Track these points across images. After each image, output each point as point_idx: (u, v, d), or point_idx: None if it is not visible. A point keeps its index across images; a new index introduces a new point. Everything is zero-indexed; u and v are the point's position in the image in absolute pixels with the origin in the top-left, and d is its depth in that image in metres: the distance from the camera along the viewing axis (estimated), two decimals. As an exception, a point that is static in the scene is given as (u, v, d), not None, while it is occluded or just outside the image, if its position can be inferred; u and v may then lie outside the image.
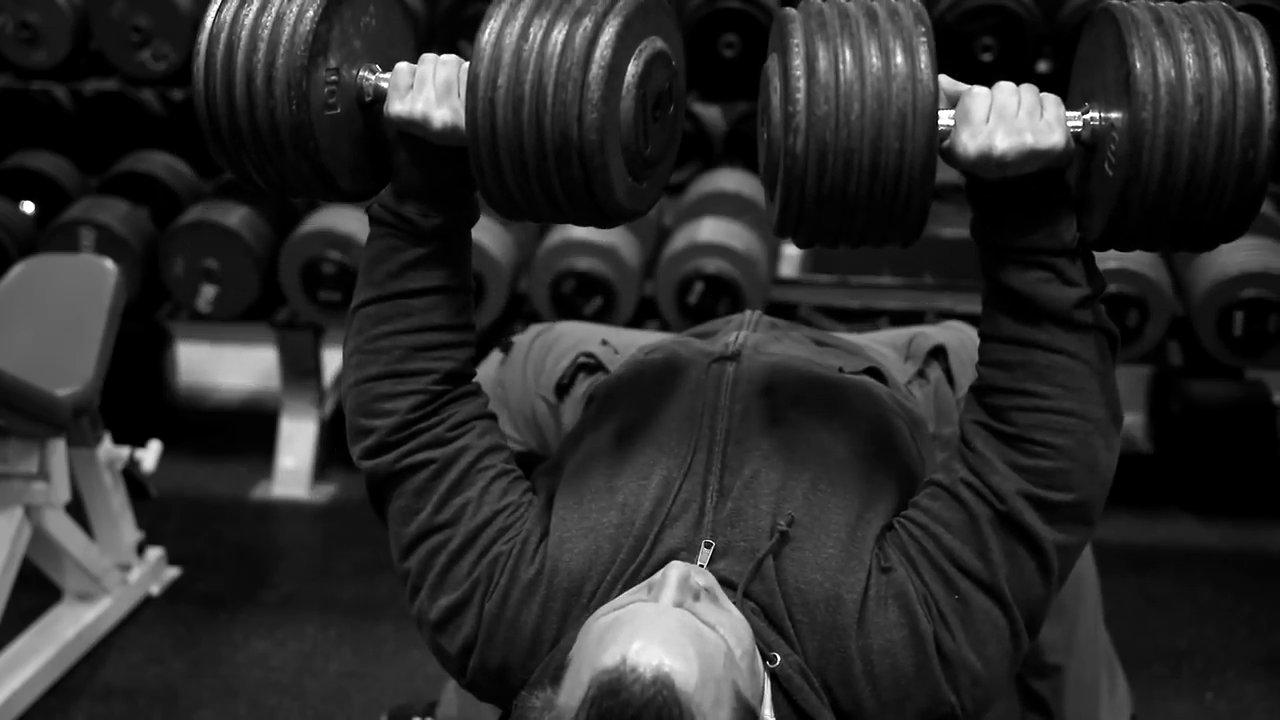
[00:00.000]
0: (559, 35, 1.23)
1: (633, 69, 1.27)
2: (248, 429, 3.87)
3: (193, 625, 2.85)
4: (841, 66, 1.19)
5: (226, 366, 4.26)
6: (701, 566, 1.30)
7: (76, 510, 2.70)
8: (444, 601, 1.35)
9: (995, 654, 1.28)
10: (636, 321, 3.28)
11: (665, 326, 3.18)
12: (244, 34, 1.31)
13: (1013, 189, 1.27)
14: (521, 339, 1.93)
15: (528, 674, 1.30)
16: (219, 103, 1.32)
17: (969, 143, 1.24)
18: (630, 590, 1.27)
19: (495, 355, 1.94)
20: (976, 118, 1.24)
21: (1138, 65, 1.18)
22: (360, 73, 1.37)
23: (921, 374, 1.79)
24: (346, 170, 1.38)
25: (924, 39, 1.21)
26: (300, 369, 3.56)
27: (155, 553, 2.99)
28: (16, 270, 2.77)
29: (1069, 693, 1.92)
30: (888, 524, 1.36)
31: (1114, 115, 1.23)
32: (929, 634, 1.26)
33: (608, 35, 1.23)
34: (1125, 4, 1.24)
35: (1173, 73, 1.18)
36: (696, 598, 1.21)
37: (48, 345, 2.60)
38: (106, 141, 3.77)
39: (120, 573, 2.84)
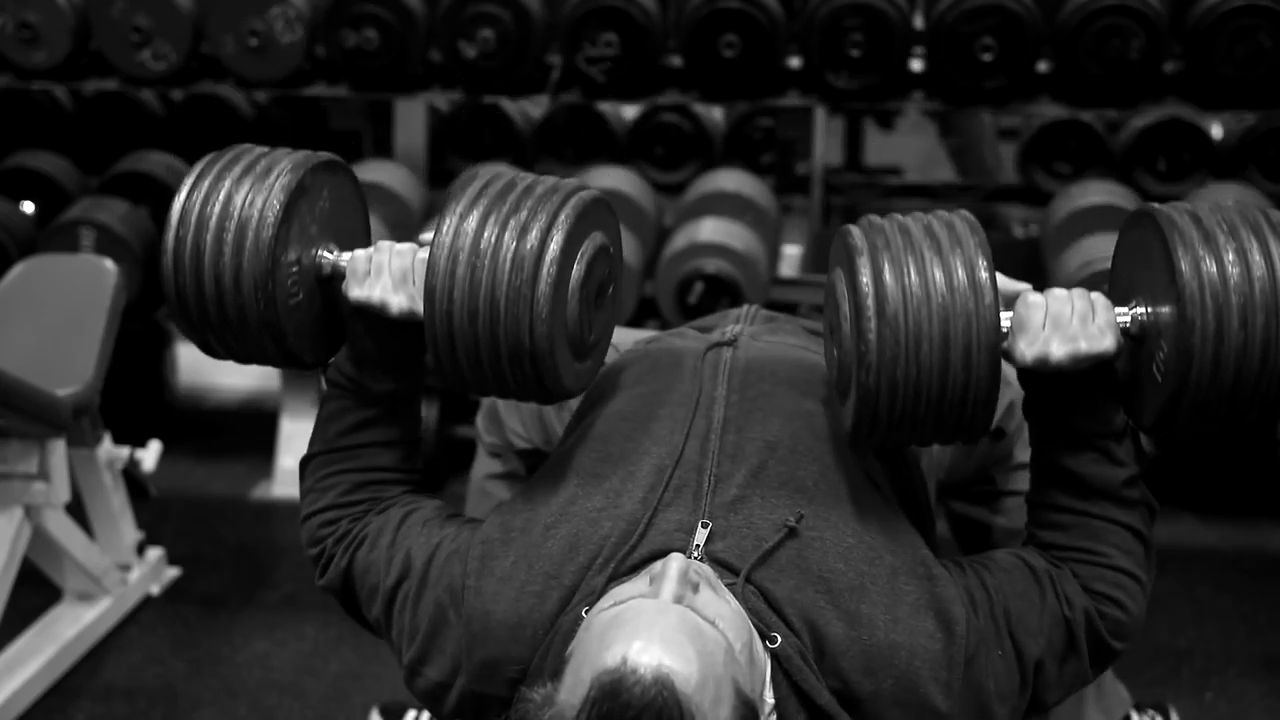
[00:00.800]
0: (508, 254, 1.32)
1: (576, 272, 1.37)
2: (248, 429, 3.87)
3: (193, 625, 2.85)
4: (909, 303, 1.26)
5: (226, 366, 4.22)
6: (699, 546, 1.31)
7: (76, 510, 2.70)
8: (419, 637, 1.38)
9: (1006, 714, 1.33)
10: (636, 321, 3.28)
11: (665, 326, 3.17)
12: (209, 237, 1.37)
13: (1065, 381, 1.35)
14: None
15: (519, 662, 1.30)
16: (189, 295, 1.40)
17: (1026, 350, 1.32)
18: (630, 582, 1.28)
19: None
20: (1033, 327, 1.32)
21: (1187, 288, 1.24)
22: (318, 253, 1.45)
23: None
24: (309, 346, 1.47)
25: (986, 269, 1.27)
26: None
27: (155, 553, 2.99)
28: (16, 270, 2.77)
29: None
30: (903, 505, 1.41)
31: (1162, 311, 1.29)
32: (962, 658, 1.29)
33: (552, 251, 1.32)
34: (1168, 212, 1.30)
35: (1220, 295, 1.24)
36: (696, 589, 1.22)
37: (48, 345, 2.60)
38: (106, 141, 3.78)
39: (120, 573, 2.84)
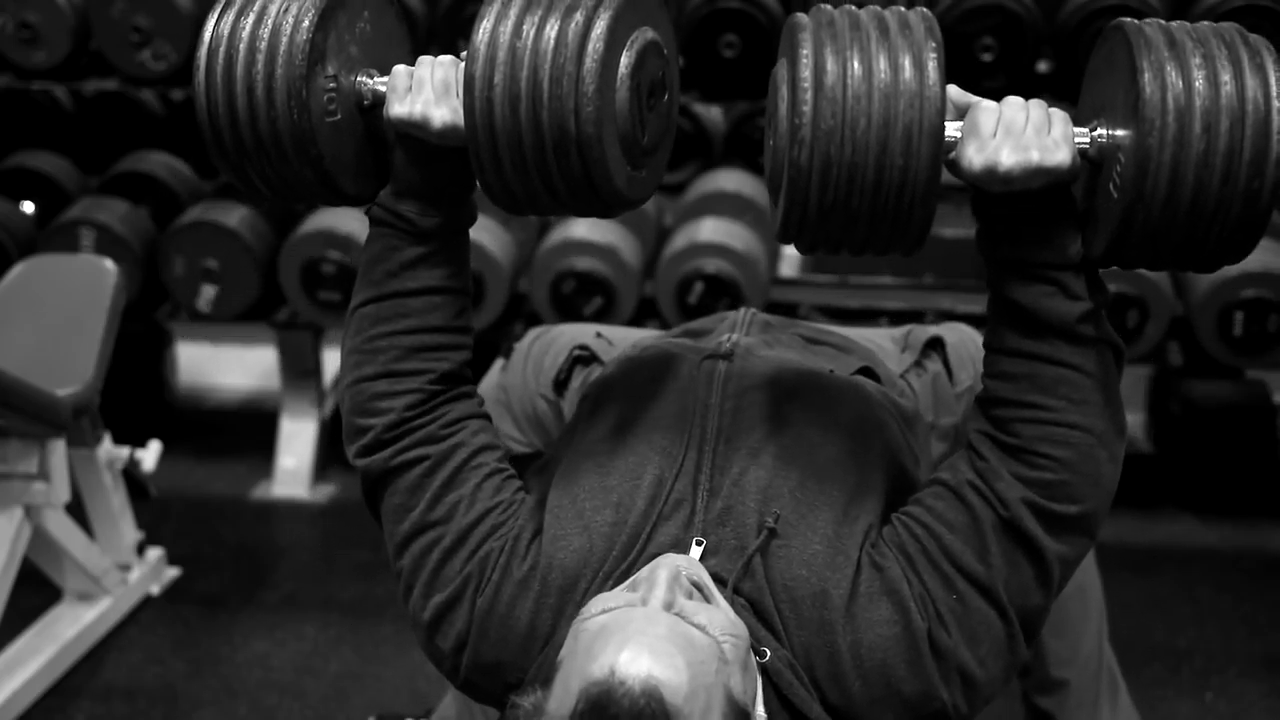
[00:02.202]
0: (551, 31, 1.24)
1: (625, 60, 1.29)
2: (248, 429, 3.87)
3: (193, 625, 2.85)
4: (849, 80, 1.19)
5: (226, 366, 4.26)
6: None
7: (76, 510, 2.70)
8: (436, 599, 1.35)
9: (990, 656, 1.29)
10: (636, 321, 3.28)
11: (665, 326, 3.17)
12: (242, 46, 1.32)
13: (1018, 203, 1.27)
14: (521, 344, 1.94)
15: (522, 670, 1.30)
16: (221, 114, 1.33)
17: (974, 157, 1.24)
18: (620, 588, 1.27)
19: (498, 363, 1.96)
20: (984, 132, 1.24)
21: (1147, 89, 1.18)
22: (358, 78, 1.39)
23: (919, 364, 1.79)
24: (349, 174, 1.39)
25: (934, 53, 1.21)
26: (300, 369, 3.56)
27: (155, 553, 2.99)
28: (16, 270, 2.76)
29: (1070, 706, 1.91)
30: (881, 520, 1.37)
31: (1121, 134, 1.23)
32: (922, 631, 1.26)
33: (599, 29, 1.25)
34: (1138, 23, 1.24)
35: (1182, 99, 1.17)
36: (689, 596, 1.21)
37: (48, 345, 2.60)
38: (106, 141, 3.78)
39: (120, 573, 2.84)
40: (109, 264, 2.76)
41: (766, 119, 1.37)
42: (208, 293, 3.40)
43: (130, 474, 2.87)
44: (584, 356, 1.78)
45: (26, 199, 3.59)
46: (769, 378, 1.49)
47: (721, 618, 1.22)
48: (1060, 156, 1.24)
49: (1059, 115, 1.27)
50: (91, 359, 2.59)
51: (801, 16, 1.27)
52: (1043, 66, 3.25)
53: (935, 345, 1.82)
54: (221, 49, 1.33)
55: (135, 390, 3.69)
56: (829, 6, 1.28)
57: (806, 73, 1.20)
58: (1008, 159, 1.23)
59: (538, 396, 1.82)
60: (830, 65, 1.20)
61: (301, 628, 2.83)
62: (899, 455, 1.47)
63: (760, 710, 1.24)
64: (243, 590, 3.01)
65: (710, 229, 3.32)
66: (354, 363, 1.42)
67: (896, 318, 3.20)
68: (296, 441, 3.53)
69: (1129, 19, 1.26)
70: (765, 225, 3.48)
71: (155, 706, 2.56)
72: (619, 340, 1.79)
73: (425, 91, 1.33)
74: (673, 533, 1.33)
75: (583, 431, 1.49)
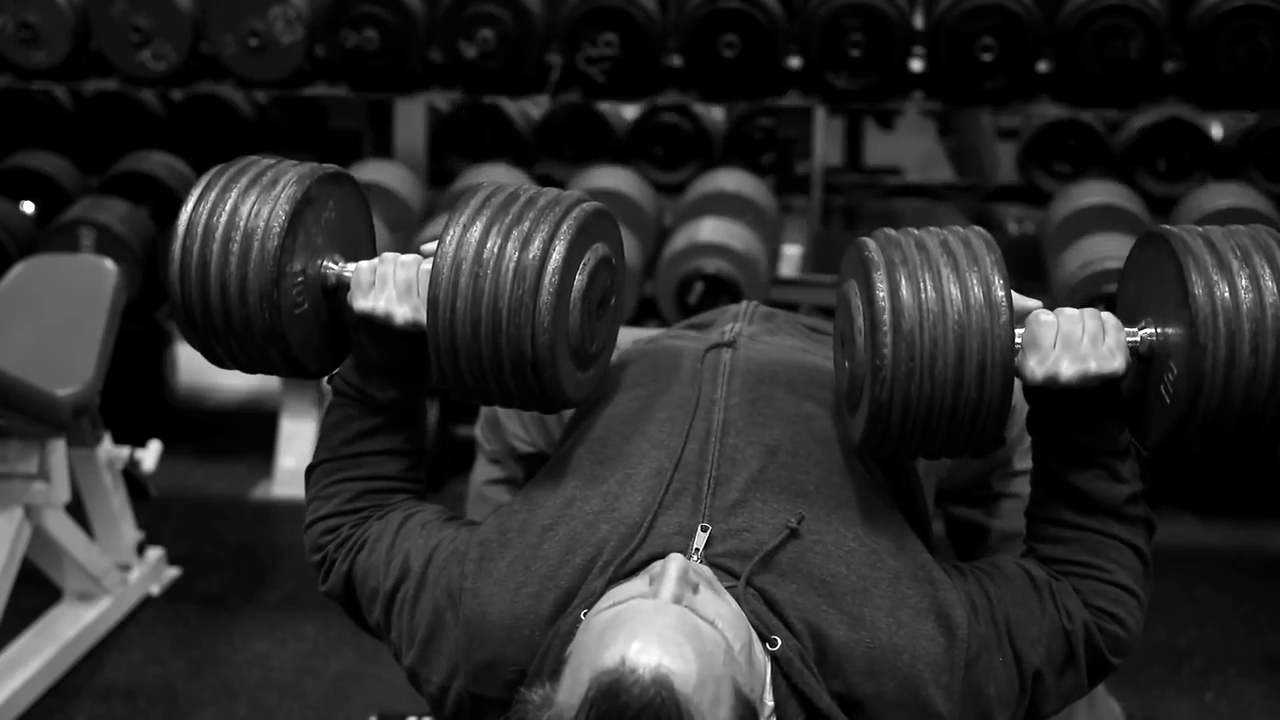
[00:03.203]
0: (511, 264, 1.33)
1: (579, 283, 1.38)
2: (248, 429, 3.87)
3: (193, 625, 2.85)
4: (925, 319, 1.26)
5: (227, 366, 4.25)
6: (698, 549, 1.31)
7: (76, 510, 2.70)
8: (418, 639, 1.38)
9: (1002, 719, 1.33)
10: (636, 321, 3.28)
11: (665, 326, 3.18)
12: (216, 247, 1.39)
13: (1071, 399, 1.34)
14: None
15: (515, 664, 1.30)
16: (195, 303, 1.40)
17: (1036, 369, 1.31)
18: (630, 582, 1.27)
19: None
20: (1044, 345, 1.31)
21: (1201, 312, 1.24)
22: (323, 264, 1.46)
23: None
24: (314, 356, 1.48)
25: (1000, 280, 1.27)
26: (300, 369, 3.56)
27: (155, 553, 2.99)
28: (16, 270, 2.77)
29: None
30: (902, 508, 1.41)
31: (1171, 333, 1.30)
32: (962, 662, 1.29)
33: (555, 261, 1.34)
34: (1182, 235, 1.30)
35: (1233, 320, 1.24)
36: (696, 590, 1.22)
37: (48, 345, 2.60)
38: (106, 141, 3.78)
39: (120, 573, 2.84)
40: (109, 264, 2.76)
41: (836, 333, 1.45)
42: (208, 293, 3.39)
43: (130, 474, 2.87)
44: None
45: (26, 199, 3.60)
46: (779, 368, 1.51)
47: (729, 613, 1.23)
48: (1116, 365, 1.31)
49: (1112, 323, 1.33)
50: (91, 359, 2.59)
51: (870, 242, 1.33)
52: (1043, 66, 3.25)
53: None
54: (196, 248, 1.39)
55: (135, 390, 3.69)
56: (893, 231, 1.35)
57: (885, 314, 1.27)
58: (1067, 370, 1.30)
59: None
60: (907, 304, 1.27)
61: (301, 628, 2.83)
62: (911, 459, 1.49)
63: (769, 698, 1.25)
64: (243, 590, 3.01)
65: (710, 229, 3.32)
66: (312, 510, 1.50)
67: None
68: (296, 441, 3.53)
69: (1169, 228, 1.33)
70: (765, 225, 3.48)
71: (155, 706, 2.56)
72: (621, 340, 1.79)
73: (388, 289, 1.41)
74: (676, 520, 1.34)
75: (582, 423, 1.50)
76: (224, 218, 1.39)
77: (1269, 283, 1.24)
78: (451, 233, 1.36)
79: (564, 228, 1.36)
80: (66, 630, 2.67)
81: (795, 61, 3.34)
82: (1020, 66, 3.15)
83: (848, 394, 1.39)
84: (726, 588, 1.28)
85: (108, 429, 2.78)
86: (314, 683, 2.63)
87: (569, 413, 1.77)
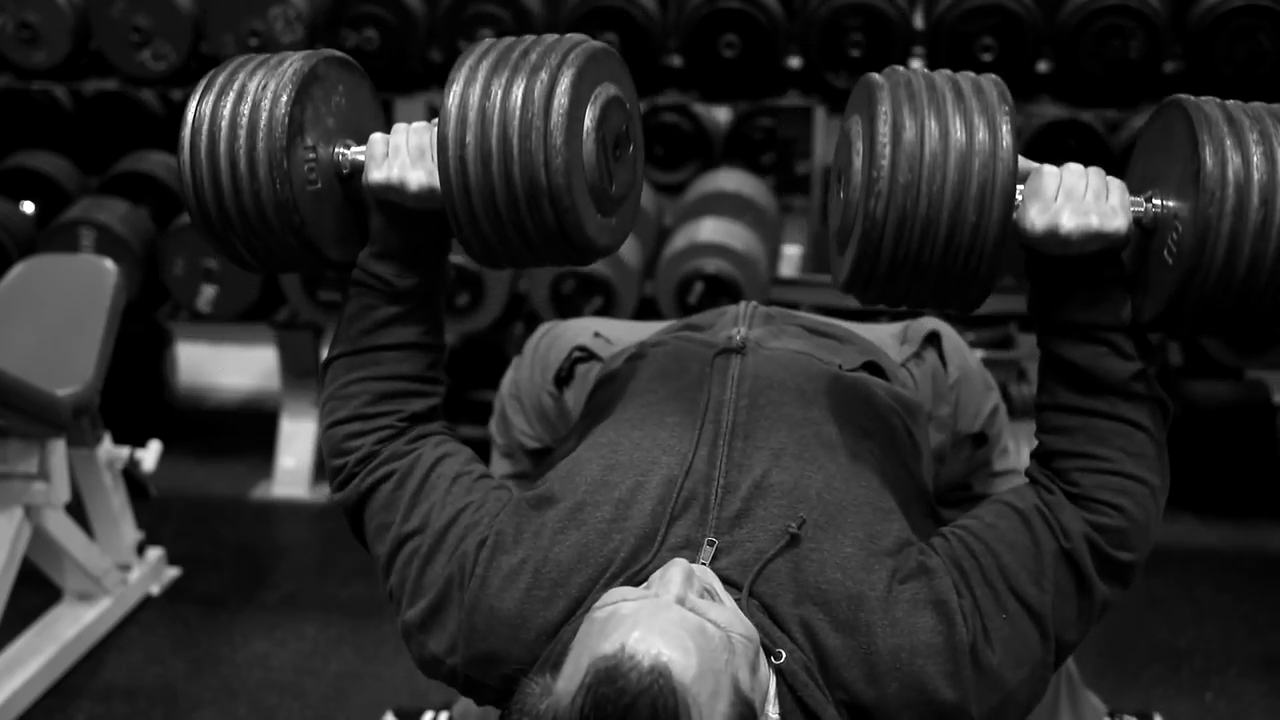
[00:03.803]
0: (519, 91, 1.32)
1: (590, 114, 1.36)
2: (248, 429, 3.87)
3: (193, 625, 2.85)
4: (926, 137, 1.23)
5: (226, 366, 4.26)
6: (704, 564, 1.30)
7: (76, 510, 2.71)
8: (423, 604, 1.36)
9: (1027, 677, 1.30)
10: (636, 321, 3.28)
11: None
12: (224, 124, 1.38)
13: (1071, 267, 1.32)
14: (531, 339, 1.95)
15: (516, 661, 1.30)
16: (206, 188, 1.38)
17: (1037, 219, 1.29)
18: (634, 588, 1.27)
19: (515, 361, 1.98)
20: (1046, 195, 1.29)
21: (1208, 162, 1.22)
22: (336, 148, 1.45)
23: (918, 355, 1.81)
24: (331, 240, 1.45)
25: (1007, 117, 1.25)
26: (300, 369, 3.56)
27: (155, 553, 2.99)
28: (16, 270, 2.77)
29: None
30: (906, 515, 1.38)
31: (1175, 205, 1.28)
32: (966, 645, 1.27)
33: (564, 85, 1.32)
34: (1197, 101, 1.29)
35: (1241, 173, 1.21)
36: (700, 595, 1.22)
37: (48, 345, 2.60)
38: (106, 141, 3.78)
39: (120, 573, 2.84)
40: (109, 264, 2.76)
41: (834, 174, 1.41)
42: (208, 293, 3.40)
43: (130, 474, 2.87)
44: (583, 357, 1.80)
45: (26, 199, 3.60)
46: (786, 374, 1.50)
47: (731, 616, 1.23)
48: (1118, 223, 1.29)
49: (1116, 184, 1.31)
50: (91, 359, 2.59)
51: (877, 76, 1.31)
52: (1043, 66, 3.25)
53: (932, 338, 1.84)
54: (205, 128, 1.38)
55: (135, 390, 3.69)
56: (903, 69, 1.32)
57: (885, 128, 1.24)
58: (1068, 222, 1.28)
59: (543, 392, 1.84)
60: (908, 122, 1.24)
61: (301, 628, 2.83)
62: (906, 454, 1.49)
63: (773, 711, 1.24)
64: (243, 590, 3.01)
65: (710, 229, 3.32)
66: (329, 409, 1.48)
67: (896, 318, 3.20)
68: (296, 441, 3.54)
69: (1186, 96, 1.32)
70: (765, 225, 3.48)
71: (155, 706, 2.56)
72: (619, 337, 1.80)
73: (401, 156, 1.39)
74: (683, 532, 1.33)
75: (590, 426, 1.50)
76: (231, 95, 1.38)
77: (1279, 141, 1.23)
78: (457, 76, 1.34)
79: (571, 57, 1.34)
80: (66, 630, 2.67)
81: (795, 61, 3.34)
82: (1020, 66, 3.15)
83: (839, 231, 1.35)
84: (732, 598, 1.28)
85: (108, 429, 2.79)
86: (314, 683, 2.63)
87: (575, 409, 1.78)
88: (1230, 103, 1.28)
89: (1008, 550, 1.32)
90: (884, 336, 1.83)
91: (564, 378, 1.81)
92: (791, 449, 1.39)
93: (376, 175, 1.40)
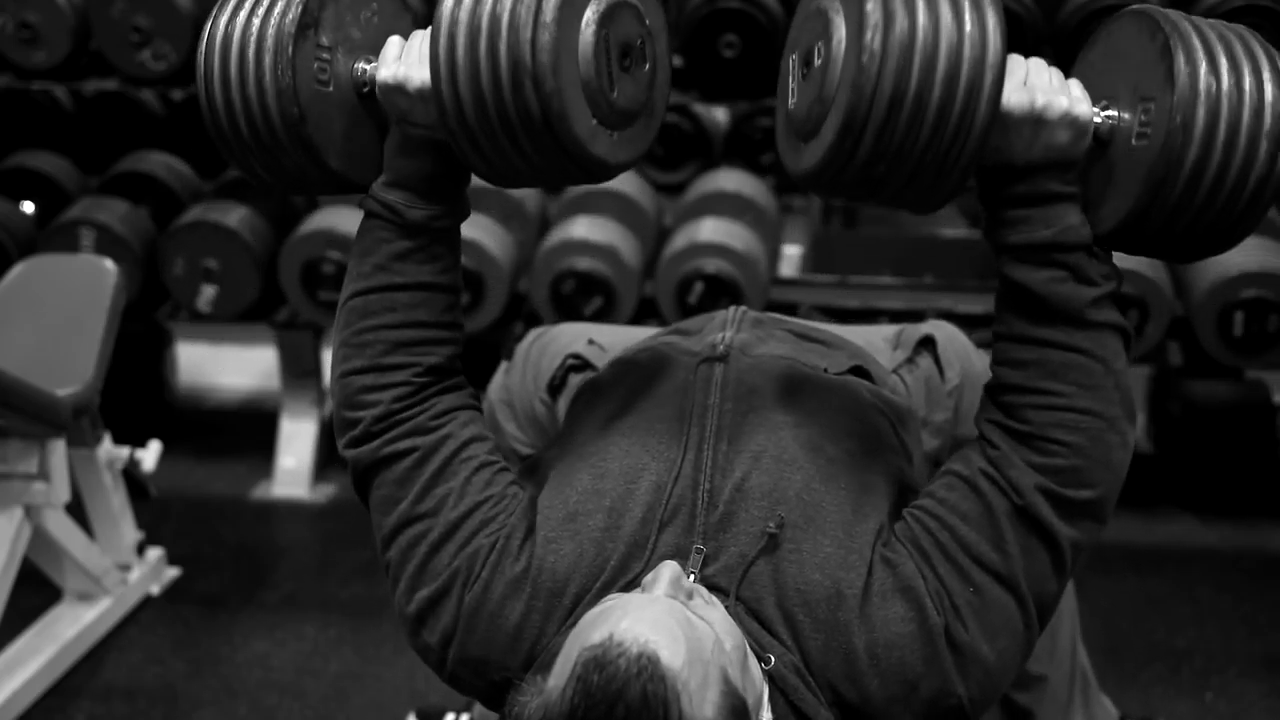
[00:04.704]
0: None
1: (593, 7, 1.30)
2: (248, 429, 3.87)
3: (193, 625, 2.85)
4: (916, 21, 1.18)
5: (226, 366, 4.26)
6: (693, 572, 1.30)
7: (76, 510, 2.71)
8: (423, 593, 1.35)
9: (1007, 645, 1.29)
10: (636, 321, 3.28)
11: (665, 325, 3.17)
12: (242, 14, 1.37)
13: (1028, 182, 1.30)
14: (522, 344, 1.94)
15: (506, 669, 1.30)
16: (215, 78, 1.37)
17: (1012, 94, 1.27)
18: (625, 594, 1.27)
19: (503, 365, 1.97)
20: (1017, 76, 1.29)
21: (1181, 60, 1.22)
22: (358, 63, 1.42)
23: (911, 361, 1.80)
24: (335, 152, 1.41)
25: (994, 3, 1.22)
26: (300, 369, 3.56)
27: (155, 553, 2.99)
28: (16, 270, 2.77)
29: (1046, 701, 1.92)
30: (892, 516, 1.37)
31: (1135, 114, 1.28)
32: (939, 626, 1.27)
33: None
34: (1147, 7, 1.29)
35: (1210, 71, 1.22)
36: (690, 596, 1.22)
37: (48, 345, 2.60)
38: (106, 141, 3.78)
39: (120, 573, 2.84)
40: (109, 264, 2.76)
41: (793, 55, 1.34)
42: (208, 293, 3.40)
43: (130, 474, 2.87)
44: (577, 365, 1.78)
45: (26, 199, 3.60)
46: (768, 379, 1.49)
47: (719, 617, 1.23)
48: (1084, 108, 1.29)
49: (1076, 82, 1.32)
50: (91, 359, 2.59)
51: None
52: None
53: (926, 344, 1.83)
54: (223, 23, 1.38)
55: (135, 390, 3.69)
56: None
57: (875, 9, 1.18)
58: (1041, 99, 1.28)
59: (536, 399, 1.83)
60: (899, 7, 1.19)
61: (301, 628, 2.83)
62: (892, 454, 1.48)
63: (767, 716, 1.24)
64: (243, 590, 3.01)
65: (710, 229, 3.32)
66: (342, 356, 1.43)
67: (896, 318, 3.20)
68: (296, 441, 3.53)
69: (1141, 5, 1.32)
70: (765, 225, 3.48)
71: (155, 706, 2.56)
72: (614, 344, 1.79)
73: (410, 56, 1.37)
74: (672, 540, 1.33)
75: (576, 434, 1.49)
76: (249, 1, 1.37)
77: (1243, 55, 1.24)
78: None
79: None
80: (66, 630, 2.67)
81: (795, 61, 3.33)
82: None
83: (802, 119, 1.29)
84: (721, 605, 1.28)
85: (108, 429, 2.79)
86: (314, 683, 2.63)
87: (560, 415, 1.77)
88: (1198, 19, 1.29)
89: (961, 522, 1.30)
90: (877, 341, 1.82)
91: (557, 386, 1.79)
92: (771, 451, 1.39)
93: (384, 73, 1.38)
